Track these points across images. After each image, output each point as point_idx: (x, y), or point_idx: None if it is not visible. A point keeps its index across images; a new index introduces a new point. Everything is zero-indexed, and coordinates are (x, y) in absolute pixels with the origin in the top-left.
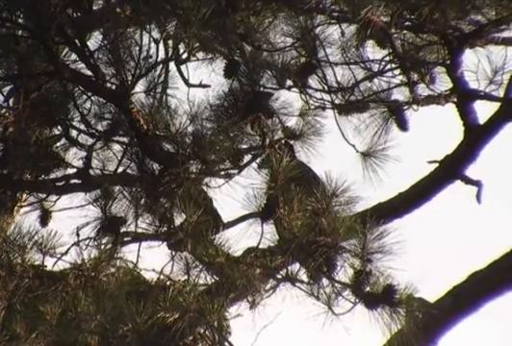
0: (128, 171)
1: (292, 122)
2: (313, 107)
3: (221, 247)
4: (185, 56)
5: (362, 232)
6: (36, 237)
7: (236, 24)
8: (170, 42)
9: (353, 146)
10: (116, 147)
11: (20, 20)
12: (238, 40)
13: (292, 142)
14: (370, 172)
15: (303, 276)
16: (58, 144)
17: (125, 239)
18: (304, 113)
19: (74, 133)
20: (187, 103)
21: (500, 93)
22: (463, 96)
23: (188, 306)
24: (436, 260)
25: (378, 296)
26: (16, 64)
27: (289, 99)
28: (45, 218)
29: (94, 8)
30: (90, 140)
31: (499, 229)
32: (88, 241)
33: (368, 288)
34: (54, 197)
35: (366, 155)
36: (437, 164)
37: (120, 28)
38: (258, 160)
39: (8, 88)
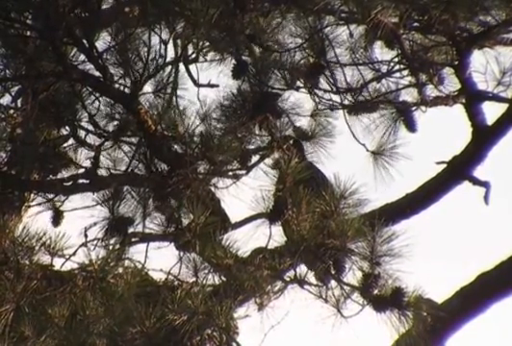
0: (136, 171)
1: (303, 122)
2: (322, 107)
3: (229, 248)
4: (194, 56)
5: (371, 234)
6: (44, 239)
7: (244, 25)
8: (179, 42)
9: (363, 145)
10: (125, 147)
11: (28, 21)
12: (246, 41)
13: (302, 142)
14: (381, 170)
15: (311, 278)
16: (66, 144)
17: (133, 240)
18: (315, 114)
19: (82, 133)
20: (196, 103)
21: (509, 94)
22: (471, 97)
23: (196, 308)
24: (444, 261)
25: (387, 299)
26: (24, 65)
27: (299, 99)
28: (58, 218)
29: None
30: (99, 140)
31: (506, 230)
32: (96, 242)
33: (376, 291)
34: (62, 197)
35: (376, 153)
36: (445, 165)
37: (129, 28)
38: (268, 161)
39: (16, 89)
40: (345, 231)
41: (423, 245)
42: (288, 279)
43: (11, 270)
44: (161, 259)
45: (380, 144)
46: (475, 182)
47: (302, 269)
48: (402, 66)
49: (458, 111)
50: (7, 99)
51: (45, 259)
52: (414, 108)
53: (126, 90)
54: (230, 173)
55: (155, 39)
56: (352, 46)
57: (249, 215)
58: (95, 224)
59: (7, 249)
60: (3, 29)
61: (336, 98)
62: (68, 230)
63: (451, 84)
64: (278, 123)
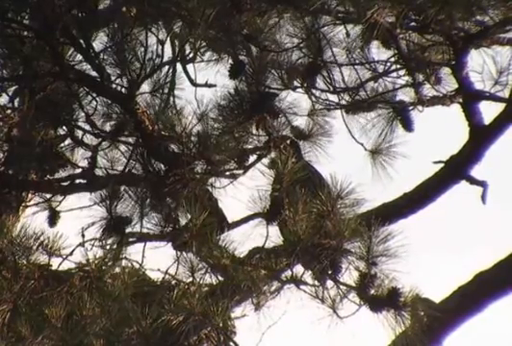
0: (133, 171)
1: (300, 122)
2: (319, 107)
3: (226, 248)
4: (191, 56)
5: (367, 234)
6: (41, 238)
7: (241, 25)
8: (177, 42)
9: (362, 144)
10: (122, 147)
11: (26, 21)
12: (243, 41)
13: (300, 142)
14: (379, 169)
15: (308, 278)
16: (63, 144)
17: (130, 240)
18: (313, 113)
19: (79, 133)
20: (193, 103)
21: (506, 94)
22: (468, 97)
23: (192, 308)
24: (441, 261)
25: (383, 299)
26: (22, 65)
27: (297, 99)
28: (54, 218)
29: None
30: (96, 140)
31: (504, 229)
32: (93, 242)
33: (372, 291)
34: (59, 197)
35: (374, 152)
36: (442, 165)
37: (126, 28)
38: (265, 161)
39: (13, 89)
40: (341, 231)
41: (421, 245)
42: (284, 279)
43: (8, 270)
44: (159, 259)
45: (378, 143)
46: (473, 181)
47: (299, 269)
48: (399, 66)
49: (455, 110)
50: (4, 99)
51: (43, 258)
52: (411, 107)
53: (123, 90)
54: (227, 173)
55: (152, 39)
56: (349, 46)
57: (246, 215)
58: (93, 224)
59: (4, 249)
60: (0, 29)
61: (333, 98)
62: (66, 230)
63: (448, 83)
64: (275, 123)
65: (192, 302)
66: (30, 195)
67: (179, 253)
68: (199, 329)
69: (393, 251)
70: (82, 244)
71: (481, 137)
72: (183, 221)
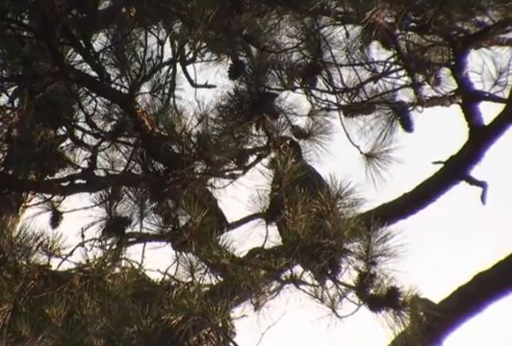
0: (133, 172)
1: (300, 121)
2: (318, 108)
3: (226, 248)
4: (191, 56)
5: (366, 234)
6: (41, 239)
7: (241, 25)
8: (177, 42)
9: (358, 147)
10: (122, 148)
11: (25, 21)
12: (243, 42)
13: (300, 142)
14: (372, 173)
15: (307, 278)
16: (63, 144)
17: (130, 240)
18: (312, 113)
19: (79, 133)
20: (192, 104)
21: (505, 94)
22: (468, 97)
23: (191, 308)
24: (441, 261)
25: (382, 299)
26: (21, 65)
27: (297, 99)
28: (56, 220)
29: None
30: (96, 141)
31: (504, 229)
32: (93, 242)
33: (372, 291)
34: (59, 197)
35: (369, 156)
36: (442, 165)
37: (126, 28)
38: (265, 161)
39: (13, 89)
40: (340, 230)
41: (420, 244)
42: (284, 279)
43: (8, 270)
44: (158, 259)
45: (374, 147)
46: (472, 181)
47: (298, 269)
48: (399, 67)
49: (455, 111)
50: (4, 99)
51: (43, 259)
52: (410, 108)
53: (123, 91)
54: (227, 173)
55: (152, 39)
56: (349, 47)
57: (246, 215)
58: (93, 224)
59: (5, 249)
60: (0, 29)
61: (332, 98)
62: (66, 230)
63: (448, 84)
64: (275, 123)
65: (192, 302)
66: (30, 195)
67: (178, 253)
68: (199, 329)
69: (392, 250)
70: (82, 244)
71: (481, 138)
72: (183, 221)
